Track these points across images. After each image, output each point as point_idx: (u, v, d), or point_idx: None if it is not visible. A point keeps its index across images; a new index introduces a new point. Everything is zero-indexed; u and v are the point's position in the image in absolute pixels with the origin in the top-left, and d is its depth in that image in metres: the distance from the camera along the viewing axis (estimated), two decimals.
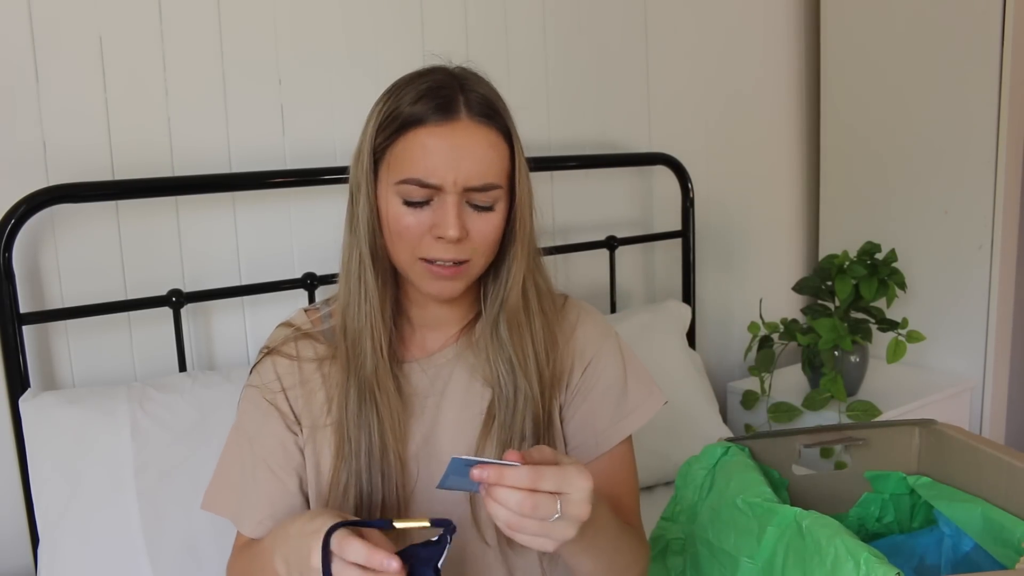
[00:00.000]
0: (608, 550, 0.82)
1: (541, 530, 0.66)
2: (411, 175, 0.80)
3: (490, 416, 0.91)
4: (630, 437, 0.97)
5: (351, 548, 0.66)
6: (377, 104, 0.85)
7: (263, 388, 0.93)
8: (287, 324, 0.97)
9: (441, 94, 0.81)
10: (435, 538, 0.69)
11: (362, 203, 0.85)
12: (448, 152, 0.79)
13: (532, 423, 0.90)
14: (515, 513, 0.65)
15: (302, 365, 0.93)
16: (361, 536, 0.68)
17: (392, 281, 0.90)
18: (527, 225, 0.87)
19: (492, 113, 0.83)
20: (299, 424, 0.92)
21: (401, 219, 0.82)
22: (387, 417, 0.88)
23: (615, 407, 0.95)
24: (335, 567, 0.66)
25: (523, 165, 0.86)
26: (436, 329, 0.95)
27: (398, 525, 0.68)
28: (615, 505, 0.94)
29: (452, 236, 0.80)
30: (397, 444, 0.88)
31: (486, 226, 0.84)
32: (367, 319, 0.87)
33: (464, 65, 0.88)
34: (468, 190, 0.81)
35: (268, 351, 0.95)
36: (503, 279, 0.89)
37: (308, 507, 0.93)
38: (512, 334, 0.89)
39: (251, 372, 0.96)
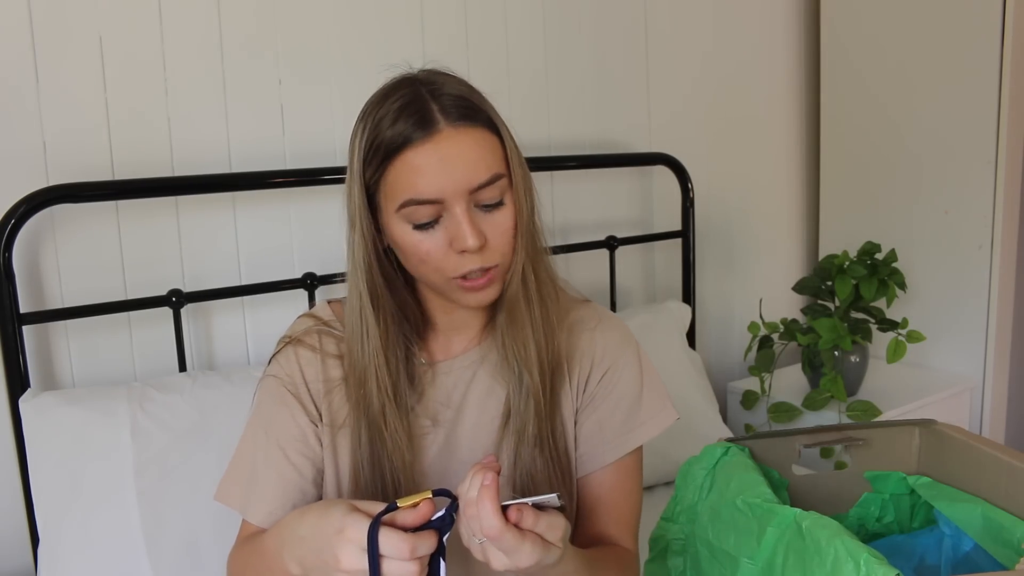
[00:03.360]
0: None
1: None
2: (407, 197, 0.79)
3: (507, 413, 0.90)
4: (639, 449, 0.96)
5: (392, 544, 0.66)
6: (355, 133, 0.82)
7: (284, 379, 0.91)
8: (310, 315, 0.95)
9: (414, 109, 0.78)
10: (442, 511, 0.71)
11: (357, 240, 0.84)
12: (439, 165, 0.77)
13: (535, 413, 0.89)
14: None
15: (325, 359, 0.91)
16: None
17: (403, 308, 0.89)
18: (524, 212, 0.84)
19: (470, 111, 0.80)
20: (320, 418, 0.91)
21: (419, 246, 0.80)
22: (396, 456, 0.87)
23: (626, 418, 0.94)
24: (386, 567, 0.67)
25: (515, 150, 0.84)
26: (460, 331, 0.94)
27: (401, 504, 0.69)
28: (613, 517, 0.94)
29: (473, 246, 0.78)
30: (406, 479, 0.88)
31: (502, 223, 0.82)
32: (370, 360, 0.86)
33: (427, 67, 0.85)
34: (475, 191, 0.79)
35: (290, 340, 0.93)
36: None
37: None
38: (512, 323, 0.88)
39: (270, 361, 0.94)
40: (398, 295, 0.88)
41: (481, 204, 0.80)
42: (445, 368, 0.93)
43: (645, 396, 0.96)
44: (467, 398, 0.92)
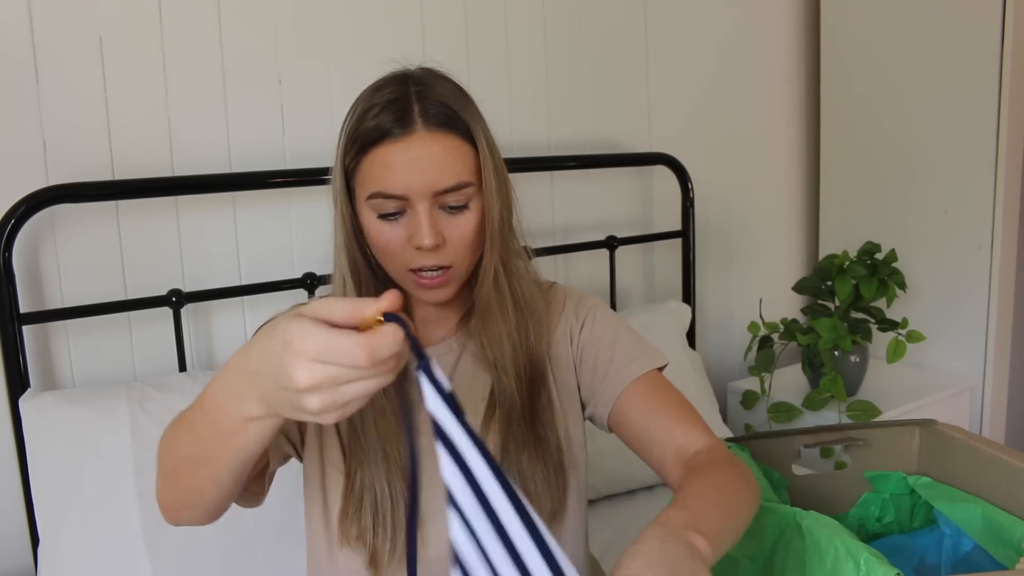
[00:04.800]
0: (717, 525, 0.71)
1: None
2: (376, 189, 0.83)
3: (492, 404, 0.91)
4: (660, 376, 0.93)
5: (340, 347, 0.54)
6: (345, 119, 0.87)
7: None
8: (304, 304, 0.97)
9: (396, 107, 0.82)
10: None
11: (338, 221, 0.88)
12: (407, 165, 0.81)
13: (513, 415, 0.89)
14: None
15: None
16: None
17: (381, 288, 0.91)
18: (495, 219, 0.87)
19: (449, 119, 0.83)
20: None
21: (381, 234, 0.84)
22: (382, 426, 0.88)
23: (615, 351, 0.94)
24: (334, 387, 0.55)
25: (489, 160, 0.85)
26: (437, 323, 0.96)
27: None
28: (673, 423, 0.88)
29: (428, 244, 0.82)
30: (396, 452, 0.88)
31: (463, 227, 0.85)
32: None
33: (426, 65, 0.88)
34: (439, 194, 0.82)
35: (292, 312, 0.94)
36: (479, 272, 0.90)
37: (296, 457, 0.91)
38: (486, 327, 0.90)
39: (266, 322, 0.94)
40: (380, 276, 0.90)
41: (446, 206, 0.84)
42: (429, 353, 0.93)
43: (631, 337, 0.96)
44: (452, 382, 0.92)
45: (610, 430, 0.94)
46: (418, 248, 0.83)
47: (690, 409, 0.91)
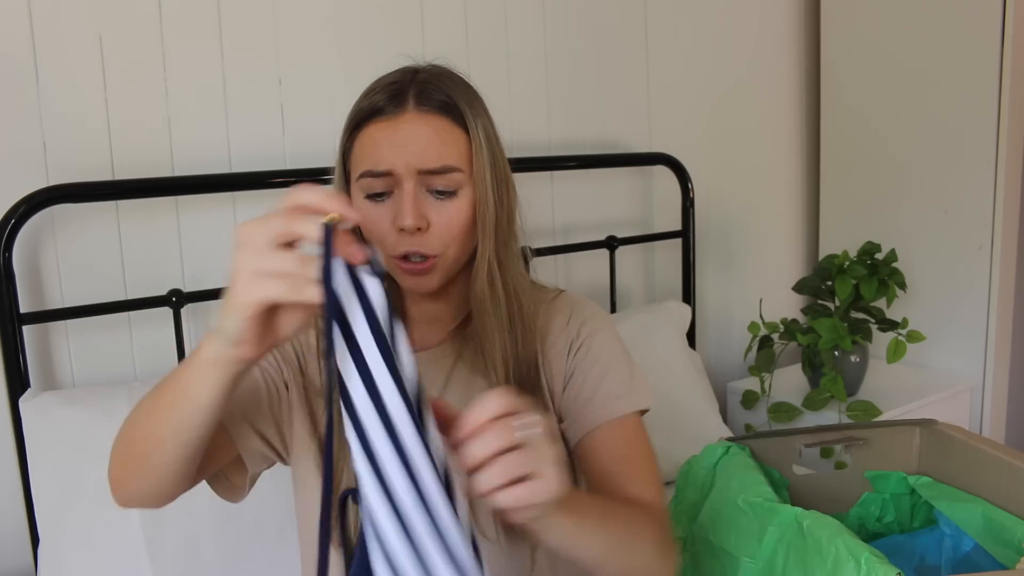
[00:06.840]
0: (597, 521, 0.74)
1: (520, 466, 0.60)
2: (364, 168, 0.83)
3: None
4: (637, 420, 0.93)
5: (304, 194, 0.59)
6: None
7: None
8: None
9: (392, 89, 0.83)
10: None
11: None
12: (393, 141, 0.81)
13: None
14: (489, 455, 0.60)
15: (320, 337, 0.91)
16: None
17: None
18: (488, 213, 0.85)
19: (443, 104, 0.83)
20: (302, 375, 0.90)
21: (368, 216, 0.84)
22: None
23: (602, 383, 0.93)
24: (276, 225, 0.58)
25: (484, 151, 0.84)
26: (433, 324, 0.95)
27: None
28: (628, 477, 0.89)
29: (409, 225, 0.81)
30: None
31: (450, 214, 0.83)
32: None
33: (437, 62, 0.88)
34: (424, 173, 0.82)
35: None
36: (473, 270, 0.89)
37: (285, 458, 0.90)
38: (481, 323, 0.89)
39: None
40: None
41: (433, 190, 0.83)
42: (425, 358, 0.93)
43: (624, 370, 0.94)
44: (447, 389, 0.92)
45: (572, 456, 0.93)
46: (401, 230, 0.82)
47: (651, 466, 0.91)
